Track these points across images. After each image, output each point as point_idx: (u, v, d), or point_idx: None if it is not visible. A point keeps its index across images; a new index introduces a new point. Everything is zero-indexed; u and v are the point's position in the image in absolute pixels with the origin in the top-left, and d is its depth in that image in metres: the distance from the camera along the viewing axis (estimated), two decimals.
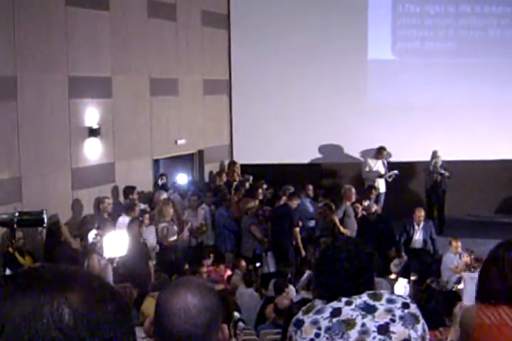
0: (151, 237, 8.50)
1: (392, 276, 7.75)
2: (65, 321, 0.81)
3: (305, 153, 12.67)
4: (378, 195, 11.15)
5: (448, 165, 11.50)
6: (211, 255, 8.48)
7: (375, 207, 9.94)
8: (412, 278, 7.93)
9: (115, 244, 6.99)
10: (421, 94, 12.30)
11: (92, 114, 9.38)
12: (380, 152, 11.71)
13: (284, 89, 12.49)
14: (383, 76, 12.52)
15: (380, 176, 11.46)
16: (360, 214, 9.89)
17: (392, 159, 12.01)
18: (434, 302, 5.56)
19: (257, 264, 8.32)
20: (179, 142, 11.26)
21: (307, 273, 8.04)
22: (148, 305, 3.39)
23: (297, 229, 9.32)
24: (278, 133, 12.49)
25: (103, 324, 0.83)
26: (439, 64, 12.33)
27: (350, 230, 9.55)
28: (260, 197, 10.00)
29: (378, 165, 11.67)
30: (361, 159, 12.24)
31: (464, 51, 12.50)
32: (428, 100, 12.31)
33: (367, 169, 11.70)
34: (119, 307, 0.88)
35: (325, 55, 12.41)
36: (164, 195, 9.56)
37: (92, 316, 0.83)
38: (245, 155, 12.57)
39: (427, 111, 12.31)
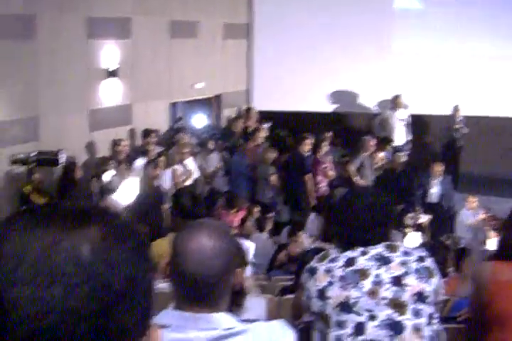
0: (167, 180, 8.53)
1: (407, 230, 7.74)
2: (83, 257, 0.78)
3: (324, 102, 12.51)
4: (398, 147, 11.02)
5: (467, 120, 11.32)
6: (223, 199, 8.49)
7: (403, 158, 9.79)
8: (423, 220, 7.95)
9: (129, 188, 7.02)
10: (446, 46, 12.01)
11: (110, 55, 9.28)
12: (396, 101, 11.46)
13: (306, 35, 12.24)
14: (408, 25, 12.21)
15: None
16: (378, 165, 9.81)
17: (411, 111, 11.82)
18: (442, 256, 5.56)
19: (272, 213, 8.33)
20: (197, 86, 11.15)
21: (311, 216, 8.07)
22: (160, 247, 3.41)
23: (309, 176, 9.26)
24: (298, 80, 12.31)
25: (122, 261, 0.81)
26: (468, 14, 11.99)
27: (366, 181, 9.51)
28: (260, 142, 9.95)
29: (396, 116, 11.45)
30: (379, 110, 12.05)
31: (494, 2, 12.12)
32: (452, 52, 12.03)
33: (383, 119, 11.49)
34: (139, 244, 0.85)
35: (350, 2, 12.11)
36: (186, 138, 9.48)
37: (112, 253, 0.80)
38: (264, 101, 12.44)
39: (450, 64, 12.05)
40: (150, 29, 10.09)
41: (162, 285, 1.97)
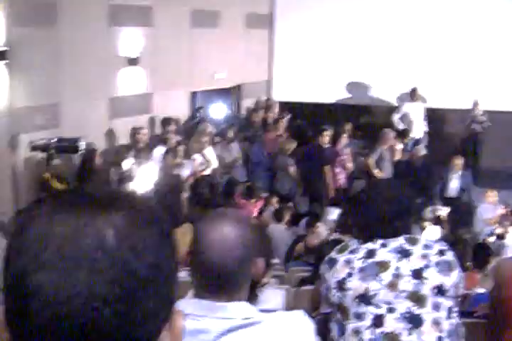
0: (186, 169, 8.54)
1: (426, 223, 7.69)
2: (108, 242, 0.77)
3: (344, 93, 12.45)
4: (417, 140, 10.94)
5: (488, 115, 11.21)
6: (241, 189, 8.49)
7: (423, 152, 9.74)
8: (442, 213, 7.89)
9: (148, 176, 7.03)
10: (464, 40, 11.87)
11: (131, 43, 9.28)
12: (414, 93, 11.40)
13: (327, 26, 12.17)
14: (427, 18, 12.08)
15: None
16: (398, 158, 9.77)
17: (429, 105, 11.71)
18: (460, 250, 5.52)
19: (290, 204, 8.31)
20: (217, 75, 11.14)
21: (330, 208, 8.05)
22: (179, 236, 3.42)
23: (328, 168, 9.23)
24: (318, 71, 12.25)
25: (147, 247, 0.80)
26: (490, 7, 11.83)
27: (384, 173, 9.46)
28: (279, 132, 9.95)
29: (414, 108, 11.37)
30: (398, 102, 11.96)
31: None
32: (470, 46, 11.89)
33: (402, 112, 11.41)
34: (163, 231, 0.85)
35: None
36: (206, 128, 9.46)
37: (137, 238, 0.79)
38: (284, 92, 12.40)
39: (467, 58, 11.91)
40: (171, 18, 10.08)
41: (181, 274, 1.97)
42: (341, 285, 2.52)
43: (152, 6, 9.66)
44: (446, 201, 8.99)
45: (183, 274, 1.91)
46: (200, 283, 1.70)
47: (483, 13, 11.79)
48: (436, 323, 2.45)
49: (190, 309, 1.63)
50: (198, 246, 1.69)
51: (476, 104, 11.20)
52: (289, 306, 3.27)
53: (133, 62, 9.24)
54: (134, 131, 8.98)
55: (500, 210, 8.30)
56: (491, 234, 7.81)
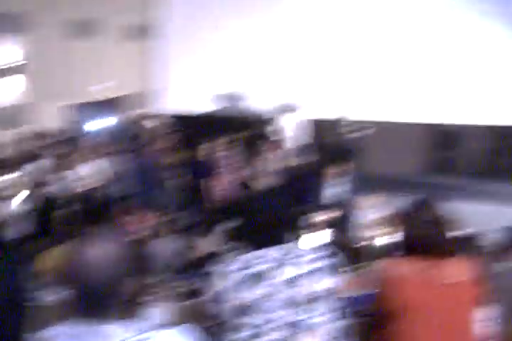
0: (62, 185, 8.27)
1: (304, 231, 7.84)
2: None
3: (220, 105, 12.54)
4: (295, 150, 11.19)
5: (360, 124, 11.68)
6: (122, 204, 8.32)
7: (301, 161, 9.96)
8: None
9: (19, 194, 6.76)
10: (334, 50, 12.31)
11: (5, 53, 8.91)
12: (290, 105, 11.67)
13: (210, 37, 12.23)
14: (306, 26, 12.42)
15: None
16: (274, 167, 9.95)
17: (307, 116, 12.02)
18: (340, 254, 5.67)
19: (173, 217, 8.24)
20: (96, 88, 10.91)
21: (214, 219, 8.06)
22: (51, 256, 3.27)
23: (208, 180, 9.27)
24: (208, 82, 12.29)
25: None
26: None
27: (262, 184, 9.59)
28: (162, 145, 9.89)
29: (291, 119, 11.64)
30: (273, 113, 12.17)
31: None
32: (347, 57, 12.36)
33: (280, 123, 11.64)
34: (20, 258, 0.80)
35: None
36: (85, 142, 9.24)
37: None
38: (165, 103, 12.34)
39: (344, 67, 12.37)
40: (46, 27, 9.77)
41: (50, 297, 1.90)
42: (219, 297, 2.52)
43: (26, 15, 9.32)
44: (325, 208, 9.23)
45: (52, 297, 1.83)
46: (76, 305, 1.64)
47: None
48: (317, 328, 2.49)
49: (65, 335, 1.58)
50: (72, 266, 1.64)
51: (344, 115, 11.64)
52: (174, 322, 3.22)
53: (4, 72, 8.87)
54: (5, 145, 8.61)
55: (379, 214, 8.63)
56: (371, 238, 8.08)
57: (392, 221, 7.49)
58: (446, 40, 12.52)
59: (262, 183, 9.64)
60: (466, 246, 4.93)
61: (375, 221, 8.54)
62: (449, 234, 2.97)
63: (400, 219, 3.08)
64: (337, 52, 12.29)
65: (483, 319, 2.90)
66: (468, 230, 6.44)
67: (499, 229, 6.95)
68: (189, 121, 11.93)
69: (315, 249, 2.65)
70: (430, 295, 2.82)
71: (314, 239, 7.59)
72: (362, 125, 11.62)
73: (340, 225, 8.94)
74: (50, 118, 9.94)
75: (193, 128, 11.50)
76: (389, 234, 7.67)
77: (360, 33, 12.24)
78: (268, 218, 2.62)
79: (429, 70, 12.57)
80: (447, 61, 12.57)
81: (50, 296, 1.43)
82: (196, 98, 12.28)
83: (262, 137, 10.71)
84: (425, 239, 2.88)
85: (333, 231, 8.18)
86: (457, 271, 2.90)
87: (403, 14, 12.39)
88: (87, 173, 8.71)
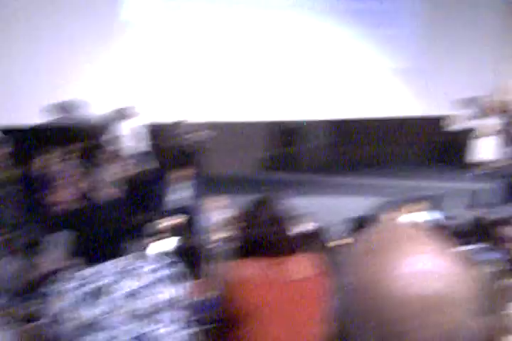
0: None
1: (150, 239, 7.71)
2: None
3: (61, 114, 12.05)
4: (135, 157, 11.01)
5: (202, 126, 11.72)
6: None
7: (137, 168, 9.80)
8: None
9: None
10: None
11: None
12: (125, 111, 11.46)
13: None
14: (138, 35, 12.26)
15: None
16: (115, 176, 9.73)
17: (143, 121, 11.86)
18: (190, 259, 5.63)
19: (17, 233, 7.81)
20: None
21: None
22: None
23: (49, 193, 8.91)
24: (26, 93, 11.73)
25: None
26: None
27: (106, 193, 9.34)
28: None
29: (128, 126, 11.42)
30: (110, 121, 11.91)
31: None
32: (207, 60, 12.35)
33: (115, 131, 11.39)
34: None
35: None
36: None
37: None
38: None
39: (186, 69, 12.36)
40: None
41: None
42: (60, 317, 2.38)
43: None
44: (170, 214, 9.16)
45: None
46: None
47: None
48: (164, 340, 2.42)
49: None
50: None
51: (182, 118, 11.63)
52: None
53: None
54: None
55: (223, 216, 8.68)
56: (216, 241, 8.10)
57: (234, 222, 7.58)
58: (282, 37, 12.87)
59: (103, 194, 9.38)
60: (309, 241, 5.06)
61: (220, 223, 8.59)
62: (290, 231, 2.99)
63: (240, 219, 3.08)
64: (173, 54, 12.25)
65: (329, 313, 2.96)
66: (311, 225, 6.65)
67: (343, 220, 7.26)
68: (19, 135, 11.33)
69: (155, 259, 2.57)
70: (275, 294, 2.83)
71: (160, 247, 7.47)
72: (201, 127, 11.68)
73: (186, 230, 8.90)
74: None
75: (25, 142, 10.93)
76: (232, 235, 7.73)
77: (197, 32, 12.28)
78: (108, 230, 2.51)
79: (265, 68, 12.87)
80: (283, 59, 12.94)
81: None
82: (26, 109, 11.70)
83: (99, 147, 10.42)
84: (265, 237, 2.88)
85: (180, 237, 8.12)
86: (300, 267, 2.93)
87: (242, 14, 12.59)
88: None
